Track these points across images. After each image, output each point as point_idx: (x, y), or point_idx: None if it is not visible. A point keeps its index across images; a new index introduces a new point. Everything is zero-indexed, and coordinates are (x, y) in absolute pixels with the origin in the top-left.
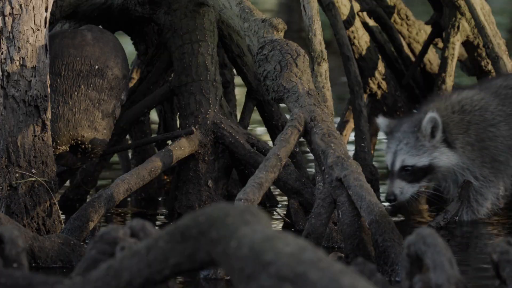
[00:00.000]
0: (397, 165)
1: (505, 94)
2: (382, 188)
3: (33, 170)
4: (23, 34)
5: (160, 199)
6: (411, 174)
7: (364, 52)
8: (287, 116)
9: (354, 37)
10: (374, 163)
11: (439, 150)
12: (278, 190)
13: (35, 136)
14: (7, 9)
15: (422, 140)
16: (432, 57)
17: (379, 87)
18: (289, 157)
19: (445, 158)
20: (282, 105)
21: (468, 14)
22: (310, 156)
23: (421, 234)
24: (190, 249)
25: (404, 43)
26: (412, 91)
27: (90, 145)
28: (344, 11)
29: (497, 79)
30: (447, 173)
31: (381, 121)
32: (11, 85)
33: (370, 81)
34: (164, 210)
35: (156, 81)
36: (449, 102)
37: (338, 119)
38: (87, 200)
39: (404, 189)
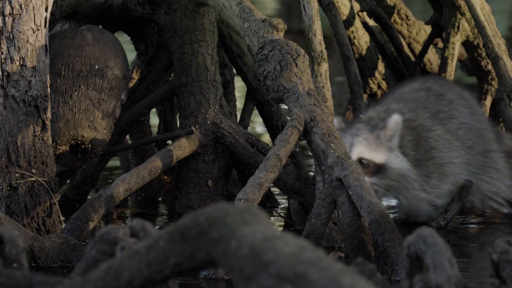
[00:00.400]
0: (354, 157)
1: (420, 96)
2: None
3: (33, 170)
4: (23, 34)
5: (160, 199)
6: (366, 168)
7: (364, 52)
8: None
9: (354, 37)
10: None
11: (394, 153)
12: (278, 190)
13: (35, 136)
14: (7, 9)
15: (382, 138)
16: (432, 57)
17: (379, 87)
18: (289, 157)
19: (399, 161)
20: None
21: (468, 14)
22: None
23: (421, 234)
24: (190, 249)
25: (404, 43)
26: None
27: (90, 145)
28: (344, 11)
29: (403, 87)
30: (397, 178)
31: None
32: (11, 85)
33: (370, 81)
34: (164, 210)
35: (156, 81)
36: (404, 117)
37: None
38: (87, 200)
39: None
